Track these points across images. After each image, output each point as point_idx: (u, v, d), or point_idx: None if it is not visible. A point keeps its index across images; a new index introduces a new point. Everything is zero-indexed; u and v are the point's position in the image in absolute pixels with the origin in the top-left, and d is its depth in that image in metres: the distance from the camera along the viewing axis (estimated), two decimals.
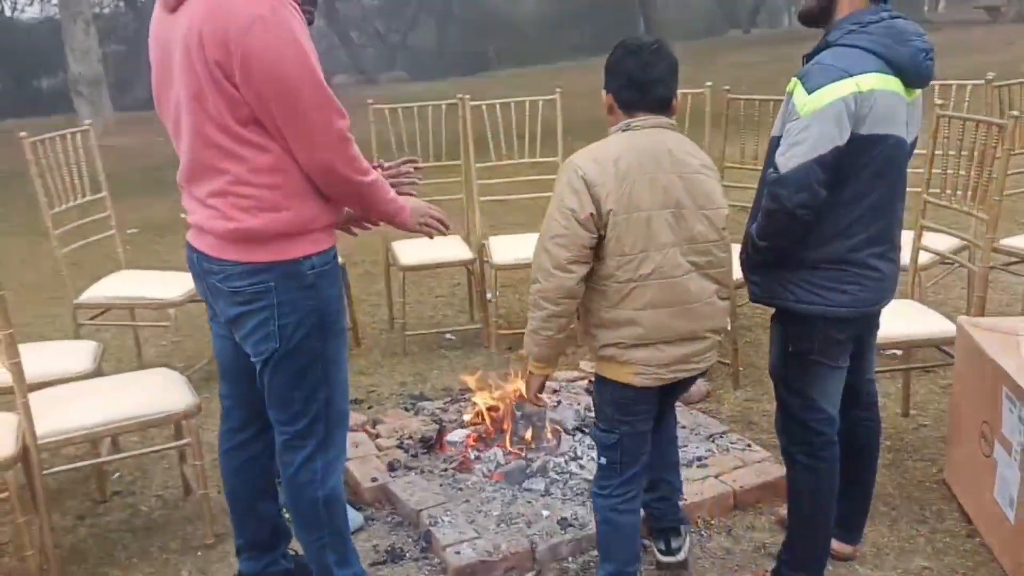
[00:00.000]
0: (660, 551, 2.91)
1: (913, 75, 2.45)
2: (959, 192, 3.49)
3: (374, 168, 2.46)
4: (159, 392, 3.15)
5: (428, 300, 5.86)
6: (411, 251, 4.95)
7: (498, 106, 5.01)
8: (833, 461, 2.63)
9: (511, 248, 4.89)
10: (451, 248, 5.02)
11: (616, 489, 2.61)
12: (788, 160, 2.38)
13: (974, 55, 15.66)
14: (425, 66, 29.45)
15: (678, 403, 3.30)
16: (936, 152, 3.61)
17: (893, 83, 2.41)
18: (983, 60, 14.43)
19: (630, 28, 25.52)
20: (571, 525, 3.06)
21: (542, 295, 2.45)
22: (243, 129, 2.21)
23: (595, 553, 2.92)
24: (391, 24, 33.27)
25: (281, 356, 2.37)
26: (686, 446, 3.55)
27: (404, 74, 26.61)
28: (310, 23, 3.06)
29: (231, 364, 2.58)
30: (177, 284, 4.40)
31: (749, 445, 3.55)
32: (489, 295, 5.54)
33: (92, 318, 4.45)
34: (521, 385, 3.45)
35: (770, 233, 2.48)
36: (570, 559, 2.99)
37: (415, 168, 2.81)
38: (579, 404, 3.91)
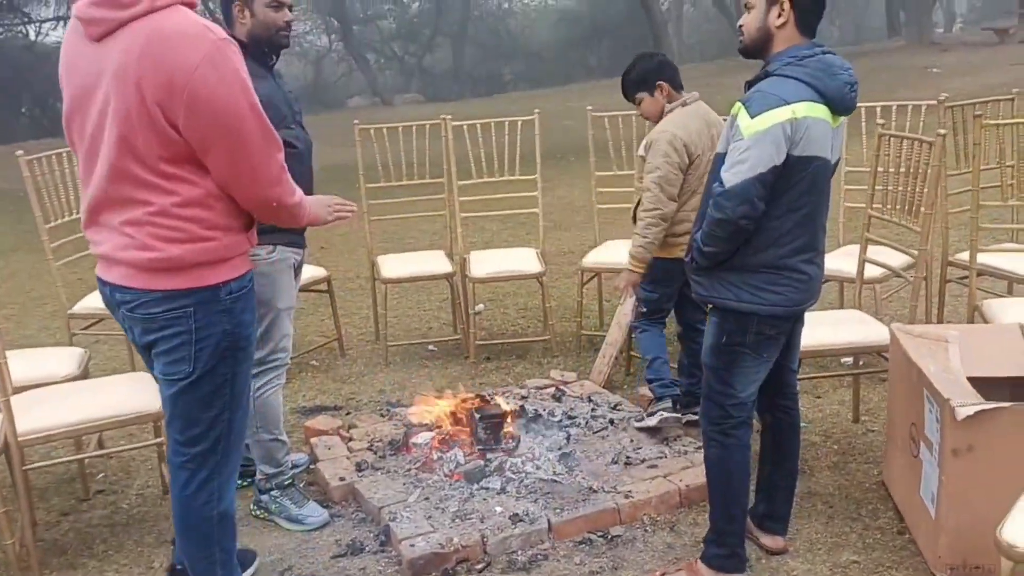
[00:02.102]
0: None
1: (840, 105, 2.70)
2: (898, 207, 3.65)
3: None
4: (136, 394, 3.33)
5: (415, 313, 6.06)
6: (394, 265, 5.16)
7: (479, 126, 5.21)
8: (743, 440, 2.88)
9: (490, 262, 5.09)
10: (433, 262, 5.22)
11: None
12: (732, 176, 2.64)
13: (981, 75, 15.81)
14: (441, 88, 29.84)
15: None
16: (879, 169, 3.78)
17: (823, 111, 2.66)
18: (988, 80, 14.59)
19: (643, 49, 25.72)
20: (522, 520, 3.23)
21: (659, 215, 3.64)
22: (172, 166, 2.24)
23: (544, 547, 3.11)
24: (408, 47, 33.74)
25: (194, 380, 2.41)
26: (640, 448, 3.72)
27: (419, 96, 26.97)
28: (285, 46, 3.31)
29: None
30: None
31: (700, 447, 3.70)
32: (480, 307, 5.74)
33: (86, 328, 4.66)
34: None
35: (714, 239, 2.72)
36: (519, 552, 3.15)
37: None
38: (544, 409, 4.09)
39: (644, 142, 3.81)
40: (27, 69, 22.79)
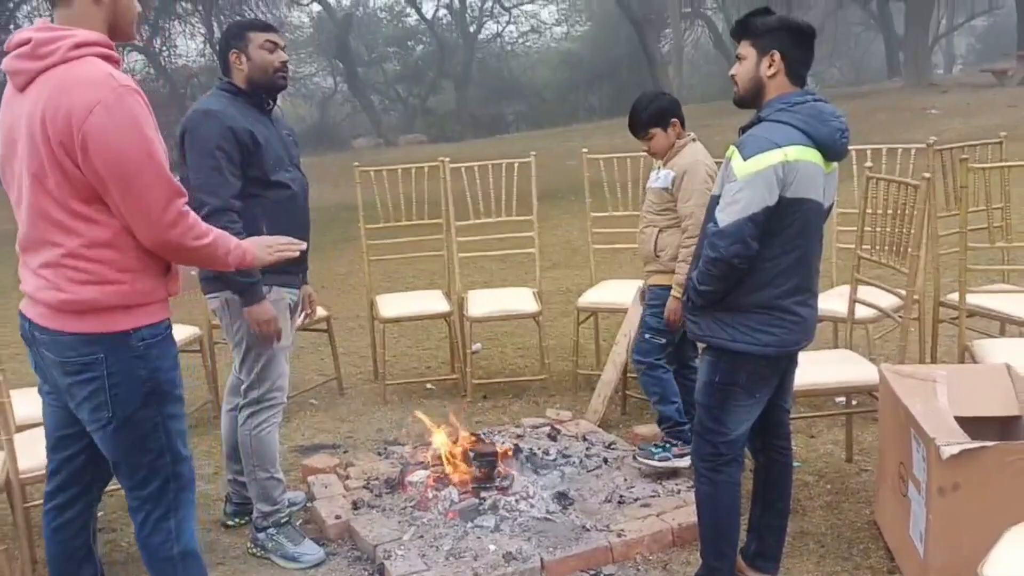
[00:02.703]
0: None
1: (831, 150, 2.78)
2: (887, 248, 3.72)
3: None
4: None
5: (415, 352, 6.11)
6: (392, 304, 5.23)
7: (476, 168, 5.30)
8: (733, 477, 2.93)
9: (487, 302, 5.15)
10: (431, 302, 5.29)
11: None
12: (726, 216, 2.72)
13: (978, 116, 15.97)
14: (444, 129, 30.15)
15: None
16: (867, 211, 3.85)
17: (814, 155, 2.74)
18: (985, 122, 14.74)
19: (644, 89, 26.00)
20: (515, 559, 3.25)
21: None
22: (83, 206, 2.28)
23: None
24: (412, 89, 34.15)
25: (117, 425, 2.40)
26: (634, 487, 3.75)
27: (423, 137, 27.23)
28: (283, 87, 3.39)
29: (55, 429, 2.60)
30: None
31: (694, 487, 3.73)
32: (477, 346, 5.79)
33: None
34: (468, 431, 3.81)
35: (709, 278, 2.79)
36: None
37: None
38: (539, 448, 4.12)
39: (662, 175, 3.85)
40: None
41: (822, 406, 4.42)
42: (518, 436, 4.33)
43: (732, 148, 2.78)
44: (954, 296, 4.31)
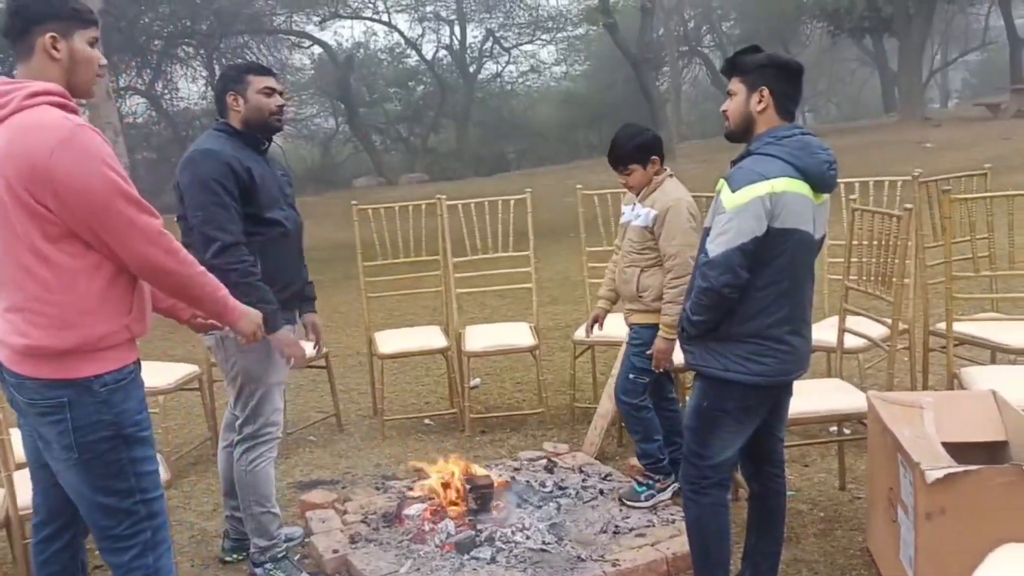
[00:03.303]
0: None
1: (819, 182, 2.86)
2: (873, 278, 3.78)
3: None
4: None
5: (413, 388, 6.16)
6: (390, 340, 5.29)
7: (473, 205, 5.39)
8: (719, 500, 2.99)
9: (484, 337, 5.20)
10: (428, 337, 5.34)
11: None
12: (716, 247, 2.80)
13: (971, 150, 16.09)
14: (446, 168, 30.35)
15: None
16: (853, 242, 3.92)
17: (802, 187, 2.82)
18: (978, 155, 14.83)
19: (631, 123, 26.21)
20: None
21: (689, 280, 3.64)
22: (48, 245, 2.31)
23: None
24: (413, 128, 34.44)
25: (84, 466, 2.43)
26: (629, 517, 3.79)
27: (424, 176, 27.42)
28: (278, 130, 3.47)
29: (36, 459, 2.62)
30: (169, 373, 4.73)
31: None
32: (476, 381, 5.84)
33: None
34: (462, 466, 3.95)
35: (701, 308, 2.86)
36: None
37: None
38: (536, 480, 4.16)
39: (642, 212, 3.85)
40: None
41: (816, 435, 4.46)
42: (515, 469, 4.37)
43: (721, 181, 2.86)
44: (943, 324, 4.37)
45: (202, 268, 2.58)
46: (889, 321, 3.76)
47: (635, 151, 3.86)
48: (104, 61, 2.55)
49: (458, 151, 32.72)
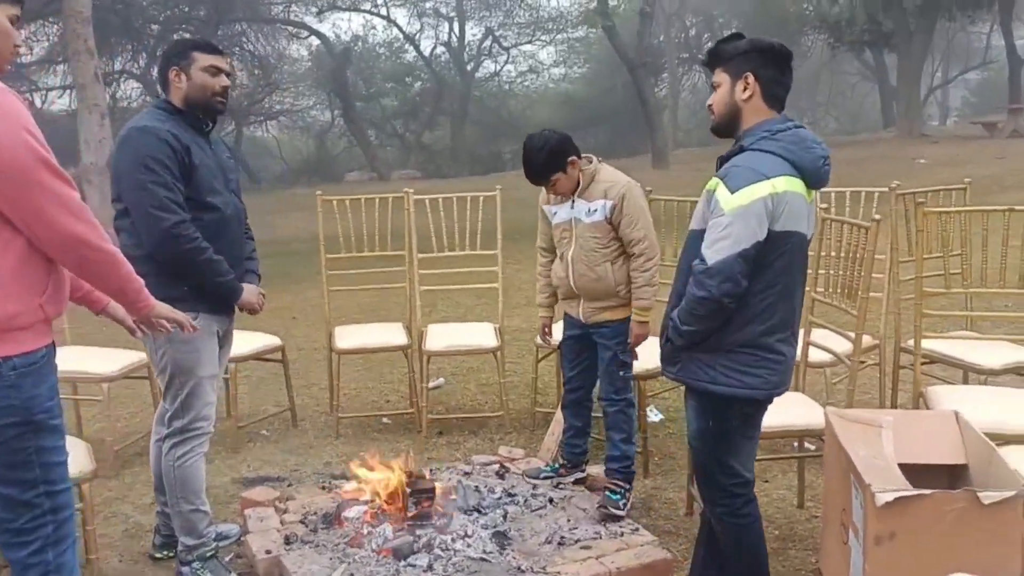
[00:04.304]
0: None
1: (814, 178, 2.69)
2: (839, 290, 3.65)
3: None
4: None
5: (376, 386, 6.01)
6: (349, 336, 5.14)
7: (441, 200, 5.24)
8: (755, 515, 2.90)
9: (446, 336, 5.06)
10: (389, 334, 5.20)
11: None
12: (714, 253, 2.62)
13: (965, 167, 15.97)
14: (440, 165, 30.25)
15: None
16: (822, 253, 3.78)
17: (800, 185, 2.66)
18: (971, 172, 14.66)
19: (640, 133, 26.21)
20: None
21: (657, 260, 3.68)
22: None
23: None
24: (408, 124, 34.31)
25: None
26: (576, 528, 3.64)
27: (417, 172, 27.30)
28: (220, 112, 3.32)
29: None
30: (115, 360, 4.58)
31: (637, 529, 3.62)
32: (440, 381, 5.70)
33: None
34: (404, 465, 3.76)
35: (695, 318, 2.69)
36: None
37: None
38: (484, 486, 4.01)
39: (597, 206, 3.68)
40: None
41: (780, 450, 4.32)
42: (466, 473, 4.22)
43: (715, 180, 2.67)
44: (911, 342, 4.24)
45: (117, 249, 2.44)
46: (841, 331, 3.62)
47: (549, 161, 3.66)
48: (20, 42, 2.39)
49: (453, 149, 32.61)
